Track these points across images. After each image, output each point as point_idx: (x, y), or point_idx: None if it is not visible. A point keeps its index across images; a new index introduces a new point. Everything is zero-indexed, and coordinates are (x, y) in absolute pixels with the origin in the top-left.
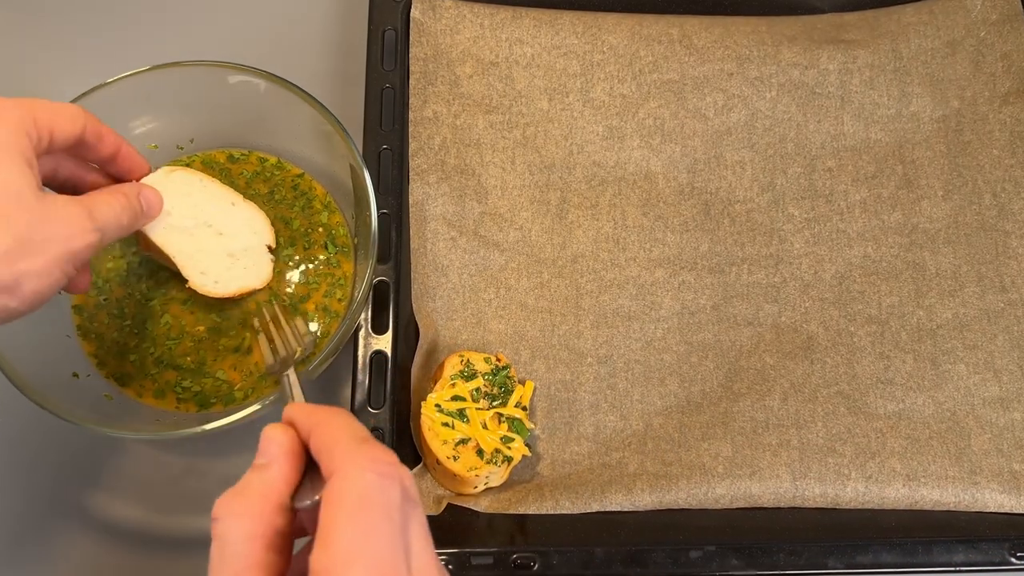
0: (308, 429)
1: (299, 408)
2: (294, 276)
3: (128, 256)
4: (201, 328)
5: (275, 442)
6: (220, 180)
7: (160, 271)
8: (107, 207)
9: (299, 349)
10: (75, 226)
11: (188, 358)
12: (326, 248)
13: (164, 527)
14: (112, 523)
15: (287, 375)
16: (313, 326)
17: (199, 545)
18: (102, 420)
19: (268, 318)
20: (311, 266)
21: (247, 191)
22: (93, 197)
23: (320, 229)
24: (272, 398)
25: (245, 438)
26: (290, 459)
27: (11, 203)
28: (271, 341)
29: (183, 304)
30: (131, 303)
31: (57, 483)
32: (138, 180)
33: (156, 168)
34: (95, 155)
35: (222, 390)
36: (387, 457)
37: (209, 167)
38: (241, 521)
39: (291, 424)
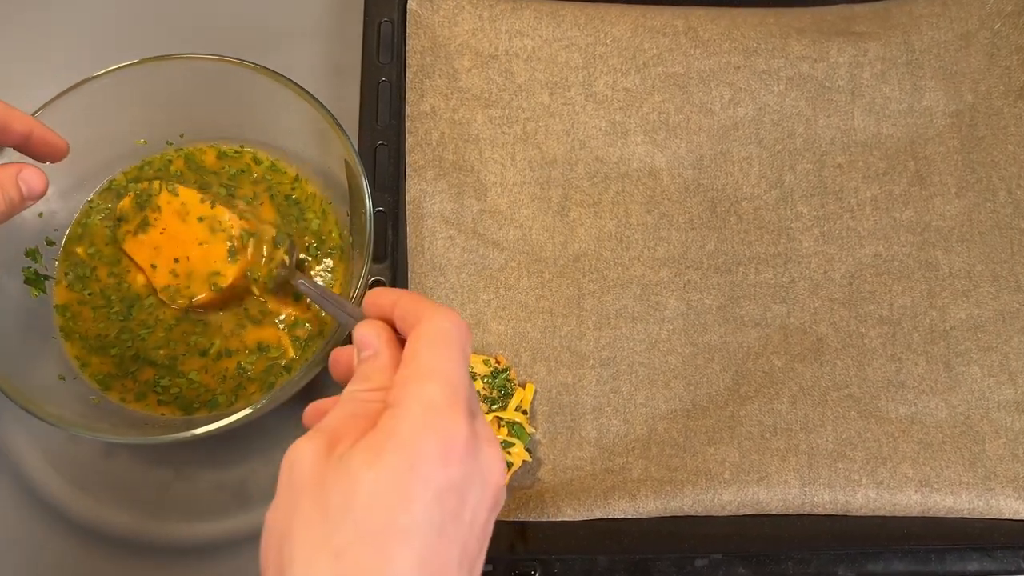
0: (393, 301)
1: (378, 291)
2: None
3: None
4: (170, 316)
5: (374, 334)
6: (201, 184)
7: None
8: None
9: (284, 257)
10: None
11: (161, 351)
12: (307, 250)
13: (154, 534)
14: (102, 529)
15: (301, 283)
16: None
17: (190, 552)
18: (90, 424)
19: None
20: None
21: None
22: None
23: (307, 237)
24: (261, 403)
25: (235, 445)
26: (392, 346)
27: None
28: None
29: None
30: (115, 291)
31: (44, 487)
32: (58, 161)
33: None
34: (1, 143)
35: (203, 397)
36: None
37: (191, 164)
38: (374, 392)
39: (374, 306)
